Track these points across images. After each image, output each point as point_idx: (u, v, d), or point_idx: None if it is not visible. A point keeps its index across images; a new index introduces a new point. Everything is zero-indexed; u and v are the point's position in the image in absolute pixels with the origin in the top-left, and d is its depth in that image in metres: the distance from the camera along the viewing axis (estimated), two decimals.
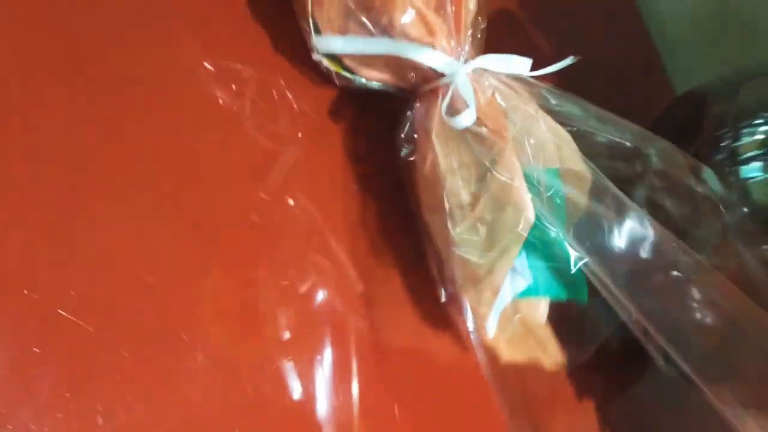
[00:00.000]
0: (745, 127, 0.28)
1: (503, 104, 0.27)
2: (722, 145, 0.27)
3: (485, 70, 0.27)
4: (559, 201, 0.27)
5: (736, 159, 0.27)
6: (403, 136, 0.29)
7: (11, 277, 0.22)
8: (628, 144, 0.29)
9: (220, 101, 0.28)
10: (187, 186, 0.26)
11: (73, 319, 0.22)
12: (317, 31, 0.27)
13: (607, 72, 0.36)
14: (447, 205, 0.26)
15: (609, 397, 0.33)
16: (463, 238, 0.26)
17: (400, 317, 0.29)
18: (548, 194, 0.27)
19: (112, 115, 0.25)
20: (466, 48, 0.27)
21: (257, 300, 0.26)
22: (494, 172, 0.26)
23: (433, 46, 0.26)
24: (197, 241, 0.25)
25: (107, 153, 0.25)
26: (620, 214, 0.26)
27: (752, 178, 0.26)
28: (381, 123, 0.30)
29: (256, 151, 0.28)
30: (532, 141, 0.27)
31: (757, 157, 0.26)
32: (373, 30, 0.26)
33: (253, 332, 0.26)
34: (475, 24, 0.28)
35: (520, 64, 0.28)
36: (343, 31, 0.26)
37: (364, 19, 0.26)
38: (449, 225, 0.26)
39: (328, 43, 0.27)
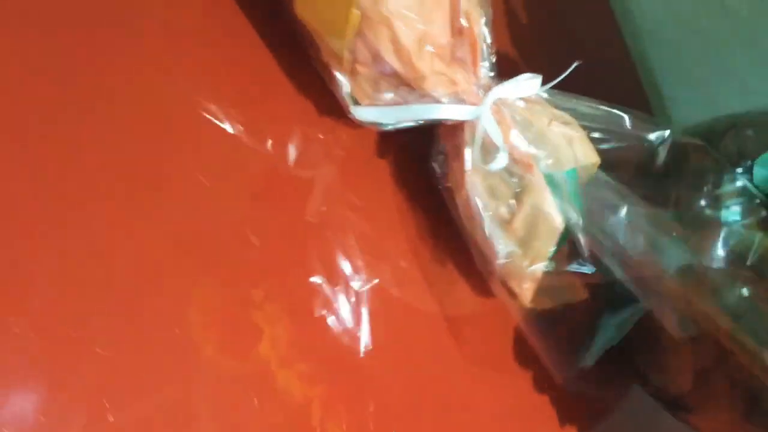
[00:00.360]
0: (726, 175, 0.29)
1: (522, 129, 0.30)
2: (704, 190, 0.29)
3: (502, 100, 0.30)
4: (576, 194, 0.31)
5: (717, 204, 0.29)
6: (436, 165, 0.33)
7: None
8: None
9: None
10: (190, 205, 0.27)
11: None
12: (355, 102, 0.30)
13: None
14: (486, 226, 0.31)
15: (589, 424, 0.35)
16: (505, 251, 0.30)
17: None
18: (569, 191, 0.31)
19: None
20: (484, 82, 0.30)
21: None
22: (524, 200, 0.30)
23: (457, 94, 0.29)
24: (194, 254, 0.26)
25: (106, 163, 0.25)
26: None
27: (732, 222, 0.28)
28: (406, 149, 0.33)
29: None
30: (549, 149, 0.31)
31: (737, 204, 0.28)
32: (405, 100, 0.29)
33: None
34: (488, 52, 0.30)
35: (532, 85, 0.31)
36: (378, 101, 0.29)
37: (398, 94, 0.29)
38: (492, 242, 0.30)
39: (365, 114, 0.30)
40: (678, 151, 0.30)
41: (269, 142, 0.30)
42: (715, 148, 0.30)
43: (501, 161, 0.29)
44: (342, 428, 0.28)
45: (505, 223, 0.30)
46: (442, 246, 0.34)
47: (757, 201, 0.29)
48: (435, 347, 0.33)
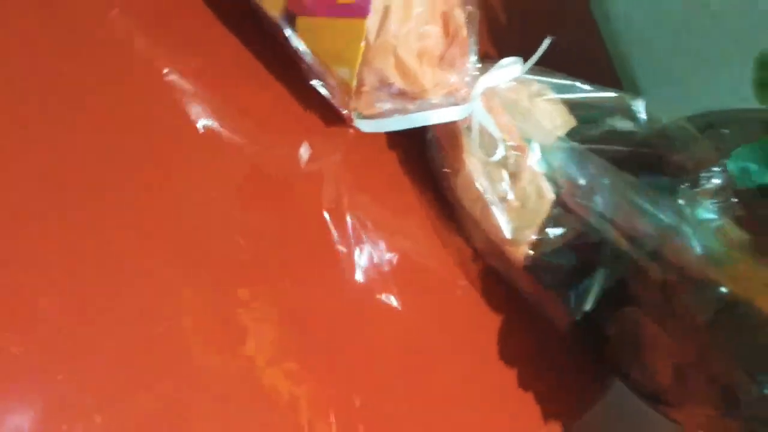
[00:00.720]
0: (703, 173, 0.30)
1: (510, 111, 0.33)
2: (682, 187, 0.30)
3: (490, 89, 0.32)
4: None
5: (693, 203, 0.29)
6: (432, 151, 0.35)
7: None
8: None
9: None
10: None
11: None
12: (358, 115, 0.31)
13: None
14: (491, 204, 0.33)
15: (573, 415, 0.36)
16: (508, 226, 0.33)
17: None
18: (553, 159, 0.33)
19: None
20: (472, 74, 0.31)
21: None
22: (521, 177, 0.33)
23: (451, 93, 0.31)
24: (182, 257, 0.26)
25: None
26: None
27: (709, 221, 0.29)
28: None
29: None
30: (533, 124, 0.33)
31: (713, 203, 0.29)
32: (404, 108, 0.30)
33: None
34: (473, 45, 0.32)
35: (515, 69, 0.33)
36: (379, 112, 0.31)
37: (397, 104, 0.30)
38: (496, 218, 0.33)
39: (369, 126, 0.31)
40: (657, 148, 0.32)
41: (278, 145, 0.31)
42: (693, 146, 0.30)
43: (500, 152, 0.31)
44: (330, 424, 0.28)
45: (504, 200, 0.33)
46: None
47: (734, 199, 0.29)
48: (420, 344, 0.33)
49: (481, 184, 0.33)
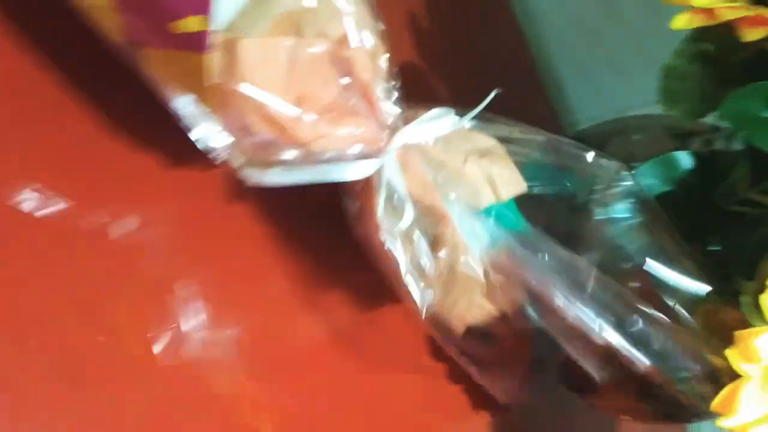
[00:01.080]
0: (615, 176, 0.30)
1: (435, 172, 0.28)
2: (594, 188, 0.31)
3: (409, 145, 0.27)
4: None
5: (607, 204, 0.30)
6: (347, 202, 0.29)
7: None
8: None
9: None
10: None
11: None
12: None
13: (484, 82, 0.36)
14: (403, 275, 0.28)
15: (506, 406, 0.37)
16: (425, 301, 0.28)
17: None
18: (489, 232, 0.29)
19: None
20: (391, 123, 0.27)
21: None
22: (441, 251, 0.28)
23: (361, 145, 0.26)
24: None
25: None
26: None
27: (619, 219, 0.30)
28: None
29: None
30: (466, 189, 0.28)
31: (625, 203, 0.30)
32: (295, 161, 0.25)
33: None
34: (389, 91, 0.27)
35: (445, 123, 0.27)
36: (268, 165, 0.26)
37: (288, 155, 0.25)
38: (411, 292, 0.28)
39: (257, 176, 0.26)
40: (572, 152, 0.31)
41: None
42: (605, 151, 0.29)
43: (408, 216, 0.27)
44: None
45: (424, 273, 0.28)
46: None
47: (646, 200, 0.29)
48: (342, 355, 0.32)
49: (394, 250, 0.27)
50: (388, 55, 0.26)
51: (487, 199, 0.28)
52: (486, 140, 0.29)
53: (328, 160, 0.26)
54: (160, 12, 0.21)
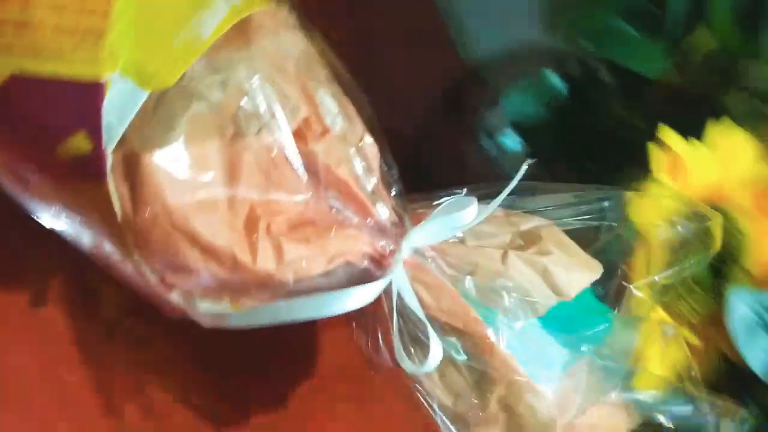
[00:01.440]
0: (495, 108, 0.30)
1: (461, 282, 0.21)
2: (482, 124, 0.30)
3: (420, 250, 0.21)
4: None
5: (494, 136, 0.30)
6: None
7: None
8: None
9: None
10: None
11: None
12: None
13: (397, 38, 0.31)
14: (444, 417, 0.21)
15: None
16: None
17: None
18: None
19: None
20: (393, 221, 0.20)
21: None
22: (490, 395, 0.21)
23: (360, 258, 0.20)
24: None
25: None
26: None
27: (514, 150, 0.29)
28: None
29: None
30: (514, 295, 0.21)
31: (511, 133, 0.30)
32: (268, 297, 0.19)
33: None
34: (385, 183, 0.21)
35: (468, 214, 0.20)
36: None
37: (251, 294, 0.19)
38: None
39: (245, 319, 0.20)
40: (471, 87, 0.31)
41: None
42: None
43: (435, 352, 0.19)
44: None
45: (474, 424, 0.21)
46: None
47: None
48: None
49: (429, 398, 0.20)
50: (371, 139, 0.20)
51: (546, 301, 0.20)
52: (527, 219, 0.21)
53: (315, 290, 0.19)
54: (43, 135, 0.16)
